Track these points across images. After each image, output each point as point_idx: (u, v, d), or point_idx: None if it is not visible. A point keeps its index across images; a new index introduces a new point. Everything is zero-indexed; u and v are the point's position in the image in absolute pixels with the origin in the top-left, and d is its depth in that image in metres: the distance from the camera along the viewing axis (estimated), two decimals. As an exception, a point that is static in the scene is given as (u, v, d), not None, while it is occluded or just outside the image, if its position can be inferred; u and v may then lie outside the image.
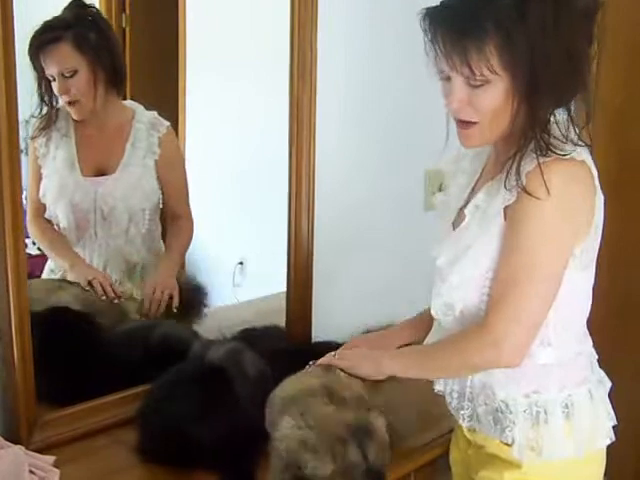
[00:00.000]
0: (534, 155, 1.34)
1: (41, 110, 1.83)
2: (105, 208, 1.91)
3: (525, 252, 1.35)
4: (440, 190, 1.66)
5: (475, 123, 1.38)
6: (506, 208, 1.37)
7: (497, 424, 1.47)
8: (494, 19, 1.29)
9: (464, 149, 1.55)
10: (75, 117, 1.91)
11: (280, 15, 2.07)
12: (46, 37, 1.77)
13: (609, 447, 1.52)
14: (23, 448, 1.49)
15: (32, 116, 1.83)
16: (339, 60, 2.21)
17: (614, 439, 1.51)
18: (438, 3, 1.39)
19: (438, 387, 1.57)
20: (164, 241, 2.10)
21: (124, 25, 2.09)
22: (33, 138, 1.85)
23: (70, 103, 1.88)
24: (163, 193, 2.02)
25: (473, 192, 1.52)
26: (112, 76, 1.91)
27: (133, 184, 1.94)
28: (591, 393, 1.48)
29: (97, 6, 1.97)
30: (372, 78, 2.34)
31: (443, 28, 1.33)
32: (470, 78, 1.34)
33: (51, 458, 1.51)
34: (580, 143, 1.37)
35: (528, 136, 1.35)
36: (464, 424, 1.53)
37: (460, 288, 1.44)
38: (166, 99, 2.26)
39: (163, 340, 1.90)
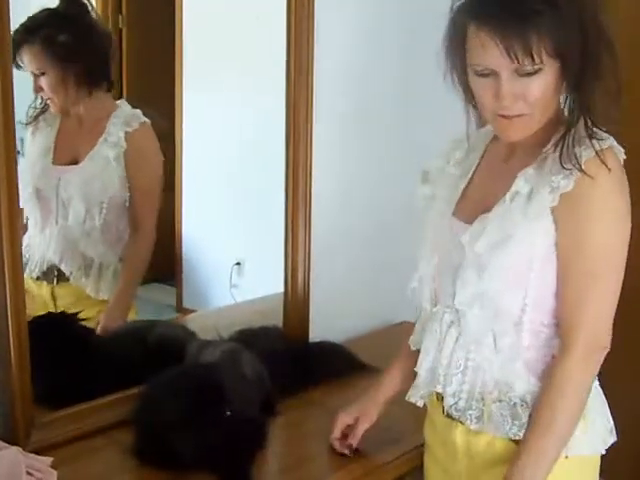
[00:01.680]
0: (587, 142, 1.31)
1: (35, 99, 1.89)
2: (64, 196, 1.91)
3: (599, 239, 1.31)
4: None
5: (523, 115, 1.34)
6: (563, 195, 1.31)
7: (515, 420, 1.40)
8: (547, 4, 1.25)
9: (452, 145, 1.55)
10: (53, 111, 1.94)
11: (277, 14, 2.07)
12: (20, 38, 1.79)
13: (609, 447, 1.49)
14: (20, 449, 1.49)
15: (29, 106, 1.89)
16: (336, 59, 2.22)
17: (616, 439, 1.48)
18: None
19: (439, 389, 1.47)
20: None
21: (121, 26, 2.09)
22: (27, 124, 1.91)
23: (48, 100, 1.91)
24: (131, 193, 1.99)
25: (471, 183, 1.50)
26: (87, 75, 1.92)
27: (93, 175, 1.94)
28: (599, 389, 1.46)
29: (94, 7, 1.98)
30: (371, 77, 2.34)
31: (499, 16, 1.27)
32: (523, 67, 1.28)
33: (48, 459, 1.51)
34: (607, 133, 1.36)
35: (574, 123, 1.33)
36: (471, 426, 1.44)
37: (498, 278, 1.37)
38: (163, 99, 2.26)
39: (160, 341, 1.90)
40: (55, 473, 1.48)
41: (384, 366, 1.57)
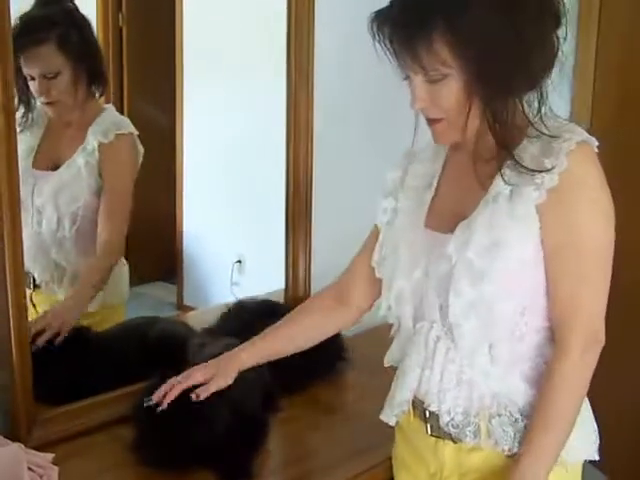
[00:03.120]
0: (564, 135, 1.29)
1: (18, 108, 1.78)
2: (38, 202, 1.86)
3: (590, 234, 1.29)
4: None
5: (442, 120, 1.34)
6: (549, 191, 1.28)
7: (517, 434, 1.36)
8: (440, 12, 1.25)
9: (408, 157, 1.53)
10: (53, 116, 1.89)
11: (277, 13, 2.07)
12: (30, 38, 1.74)
13: (608, 446, 1.47)
14: (22, 446, 1.49)
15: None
16: (337, 57, 2.22)
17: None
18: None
19: (432, 407, 1.39)
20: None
21: (121, 24, 2.09)
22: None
23: (49, 103, 1.86)
24: (101, 199, 1.93)
25: (438, 194, 1.45)
26: (93, 77, 1.89)
27: (64, 183, 1.89)
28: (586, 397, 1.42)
29: (93, 5, 1.98)
30: (370, 78, 2.35)
31: (390, 29, 1.29)
32: (427, 75, 1.30)
33: (50, 455, 1.52)
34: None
35: (494, 128, 1.31)
36: (469, 442, 1.39)
37: (493, 284, 1.31)
38: (163, 97, 2.27)
39: (160, 337, 1.90)
40: (56, 469, 1.48)
41: (382, 363, 1.55)
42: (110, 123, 1.92)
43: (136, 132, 1.97)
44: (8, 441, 1.51)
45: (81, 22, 1.88)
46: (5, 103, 1.49)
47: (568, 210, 1.29)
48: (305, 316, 1.63)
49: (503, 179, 1.33)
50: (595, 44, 2.59)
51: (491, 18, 1.26)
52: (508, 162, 1.33)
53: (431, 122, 1.36)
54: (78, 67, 1.84)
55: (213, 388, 1.52)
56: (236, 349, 1.58)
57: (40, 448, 1.55)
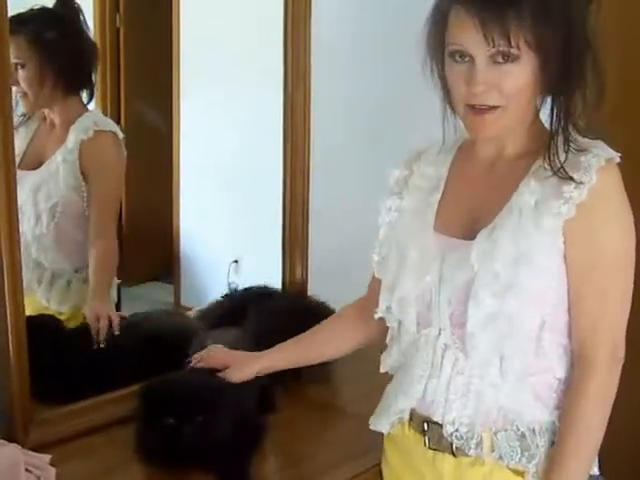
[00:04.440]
0: (593, 150, 1.27)
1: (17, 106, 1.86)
2: (19, 201, 1.85)
3: (615, 252, 1.28)
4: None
5: (498, 107, 1.28)
6: (578, 206, 1.25)
7: (525, 451, 1.33)
8: None
9: (414, 156, 1.50)
10: (24, 110, 1.92)
11: (275, 14, 2.07)
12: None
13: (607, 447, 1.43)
14: (19, 446, 1.49)
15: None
16: (334, 57, 2.22)
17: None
18: None
19: (436, 418, 1.36)
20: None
21: (118, 25, 2.09)
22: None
23: (22, 95, 1.89)
24: (90, 203, 1.95)
25: (446, 196, 1.42)
26: (65, 76, 1.91)
27: (43, 181, 1.91)
28: None
29: (91, 6, 1.98)
30: (369, 78, 2.35)
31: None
32: (500, 54, 1.24)
33: (47, 456, 1.51)
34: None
35: (557, 128, 1.29)
36: (471, 454, 1.35)
37: (517, 297, 1.27)
38: (160, 97, 2.27)
39: (159, 334, 1.90)
40: (54, 470, 1.48)
41: (378, 360, 1.53)
42: (91, 122, 1.94)
43: (121, 135, 1.99)
44: (5, 442, 1.51)
45: (72, 26, 1.92)
46: (2, 105, 1.50)
47: (594, 227, 1.27)
48: (329, 328, 1.64)
49: (528, 188, 1.30)
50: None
51: (573, 15, 1.25)
52: (535, 169, 1.31)
53: (481, 111, 1.29)
54: (45, 63, 1.87)
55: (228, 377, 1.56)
56: (262, 352, 1.60)
57: (37, 449, 1.55)
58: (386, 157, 2.41)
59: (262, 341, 1.68)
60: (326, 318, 1.69)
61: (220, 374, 1.57)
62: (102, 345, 1.85)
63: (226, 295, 2.16)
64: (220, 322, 1.99)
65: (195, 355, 1.64)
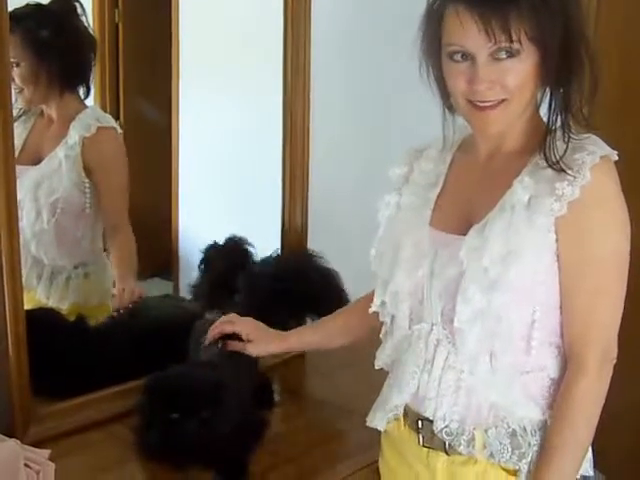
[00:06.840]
0: (588, 147, 1.27)
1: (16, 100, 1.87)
2: (18, 197, 1.90)
3: (608, 250, 1.27)
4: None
5: (502, 101, 1.27)
6: (570, 204, 1.24)
7: (515, 449, 1.33)
8: None
9: (414, 153, 1.50)
10: (21, 105, 1.93)
11: (274, 12, 2.07)
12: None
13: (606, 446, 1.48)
14: (18, 442, 1.49)
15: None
16: (333, 56, 2.22)
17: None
18: None
19: (427, 413, 1.36)
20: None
21: (117, 21, 2.09)
22: None
23: (19, 92, 1.90)
24: (99, 198, 1.98)
25: (444, 192, 1.43)
26: (61, 74, 1.92)
27: (44, 176, 1.92)
28: None
29: (90, 1, 1.99)
30: (368, 77, 2.35)
31: None
32: (501, 50, 1.24)
33: (46, 452, 1.51)
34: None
35: (554, 122, 1.29)
36: (463, 451, 1.35)
37: (506, 293, 1.27)
38: (159, 96, 2.27)
39: (157, 328, 1.90)
40: (53, 466, 1.48)
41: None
42: (92, 118, 1.95)
43: (120, 130, 2.01)
44: (4, 437, 1.51)
45: (68, 23, 1.92)
46: (2, 100, 1.49)
47: (587, 225, 1.26)
48: (345, 315, 1.69)
49: (521, 185, 1.29)
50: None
51: (570, 10, 1.26)
52: (530, 166, 1.31)
53: (486, 108, 1.29)
54: (39, 61, 1.88)
55: (238, 349, 1.64)
56: (283, 334, 1.67)
57: (36, 444, 1.55)
58: (387, 156, 2.42)
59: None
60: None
61: (239, 346, 1.64)
62: (118, 313, 1.92)
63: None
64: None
65: (212, 327, 1.66)
